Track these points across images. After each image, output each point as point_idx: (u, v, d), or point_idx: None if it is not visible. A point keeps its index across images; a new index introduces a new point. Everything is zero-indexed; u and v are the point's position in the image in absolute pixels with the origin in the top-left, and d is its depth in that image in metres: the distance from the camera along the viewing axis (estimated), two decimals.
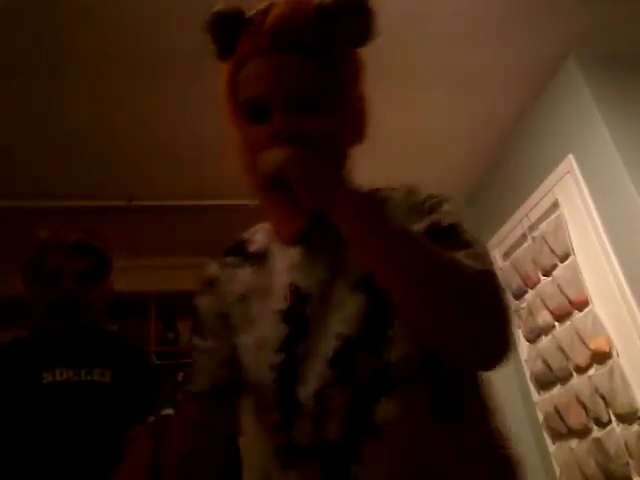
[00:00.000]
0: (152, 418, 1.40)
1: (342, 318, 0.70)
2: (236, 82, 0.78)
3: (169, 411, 1.39)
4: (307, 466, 0.68)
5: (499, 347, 0.63)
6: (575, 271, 2.30)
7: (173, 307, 3.27)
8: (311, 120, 0.72)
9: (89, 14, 1.97)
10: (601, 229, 2.16)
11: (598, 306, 2.18)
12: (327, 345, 0.70)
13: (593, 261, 2.21)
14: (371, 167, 3.23)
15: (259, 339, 0.76)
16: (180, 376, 2.95)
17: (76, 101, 2.34)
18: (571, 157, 2.35)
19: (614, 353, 2.11)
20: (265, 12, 0.76)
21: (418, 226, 0.70)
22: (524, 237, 2.67)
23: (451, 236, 0.68)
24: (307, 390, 0.69)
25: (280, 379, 0.72)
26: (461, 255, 0.65)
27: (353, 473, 0.64)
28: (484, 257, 0.67)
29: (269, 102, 0.72)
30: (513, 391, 2.73)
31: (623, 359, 2.07)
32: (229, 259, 0.87)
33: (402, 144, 2.85)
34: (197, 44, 2.15)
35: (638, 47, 2.34)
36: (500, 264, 2.88)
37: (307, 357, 0.71)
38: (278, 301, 0.76)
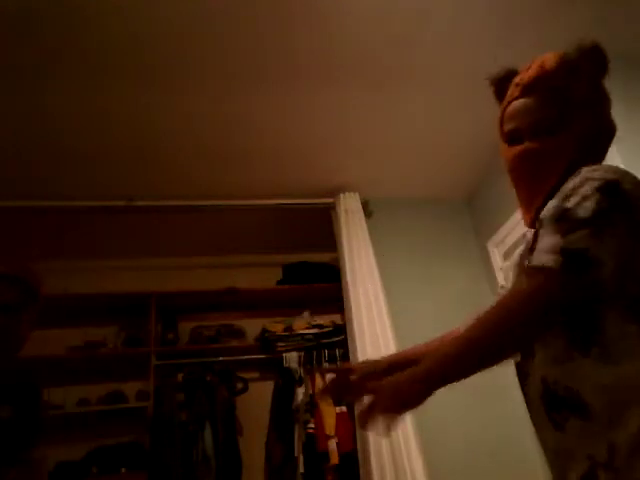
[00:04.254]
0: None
1: None
2: (503, 118, 1.14)
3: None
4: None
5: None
6: None
7: (173, 307, 3.27)
8: (545, 141, 1.05)
9: (89, 15, 1.97)
10: None
11: None
12: None
13: None
14: (376, 166, 3.24)
15: None
16: (180, 376, 2.96)
17: (76, 101, 2.34)
18: None
19: None
20: (524, 70, 1.12)
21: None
22: (524, 237, 2.67)
23: (561, 220, 0.88)
24: None
25: None
26: (546, 243, 0.86)
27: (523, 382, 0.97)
28: (559, 248, 0.84)
29: (516, 131, 1.09)
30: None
31: None
32: None
33: (402, 144, 2.85)
34: (198, 47, 2.17)
35: (638, 47, 2.34)
36: (500, 264, 2.87)
37: None
38: None
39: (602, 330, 0.85)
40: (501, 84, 1.19)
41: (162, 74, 2.26)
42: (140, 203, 2.90)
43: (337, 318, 3.24)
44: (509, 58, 2.45)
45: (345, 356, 2.88)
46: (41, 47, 2.06)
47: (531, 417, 0.98)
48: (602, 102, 1.14)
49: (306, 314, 3.27)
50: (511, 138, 1.11)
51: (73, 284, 2.97)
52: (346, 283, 2.86)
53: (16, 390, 1.48)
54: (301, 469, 2.62)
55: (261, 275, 3.40)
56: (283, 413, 2.80)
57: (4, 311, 1.39)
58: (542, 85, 1.08)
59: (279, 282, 3.42)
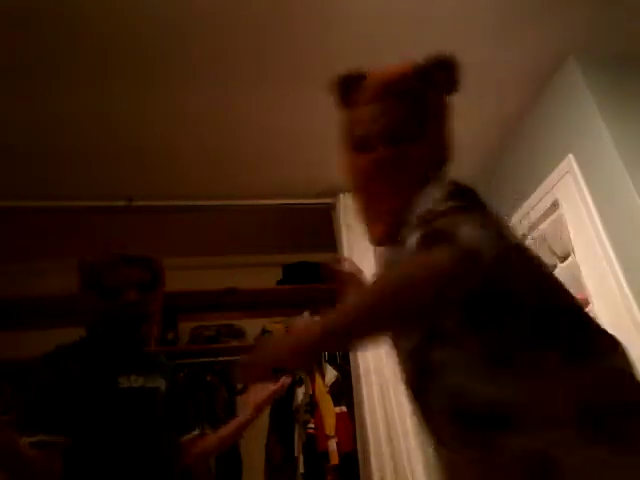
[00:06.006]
0: (196, 432, 1.62)
1: None
2: (349, 123, 1.07)
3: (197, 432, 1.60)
4: (410, 398, 0.96)
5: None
6: (575, 271, 2.30)
7: (173, 307, 3.27)
8: (403, 148, 0.98)
9: (89, 14, 1.97)
10: (601, 229, 2.16)
11: (598, 306, 2.18)
12: None
13: (593, 261, 2.21)
14: None
15: None
16: (180, 376, 2.95)
17: (76, 101, 2.34)
18: (571, 157, 2.35)
19: None
20: (373, 74, 1.08)
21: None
22: (524, 237, 2.67)
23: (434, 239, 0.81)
24: (403, 347, 0.96)
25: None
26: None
27: (423, 400, 0.89)
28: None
29: (370, 137, 1.01)
30: None
31: None
32: None
33: None
34: (198, 48, 2.17)
35: (638, 47, 2.34)
36: None
37: None
38: None
39: (518, 345, 0.80)
40: (347, 87, 1.11)
41: (162, 74, 2.26)
42: (140, 203, 2.90)
43: None
44: (509, 58, 2.47)
45: (345, 356, 2.88)
46: (41, 47, 2.06)
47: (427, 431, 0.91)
48: (448, 112, 1.10)
49: (306, 314, 3.27)
50: (360, 145, 1.02)
51: (73, 284, 2.96)
52: None
53: (165, 365, 1.67)
54: (301, 469, 2.62)
55: (261, 275, 3.40)
56: (283, 413, 2.80)
57: (141, 289, 1.56)
58: (396, 89, 1.02)
59: (279, 282, 3.42)
